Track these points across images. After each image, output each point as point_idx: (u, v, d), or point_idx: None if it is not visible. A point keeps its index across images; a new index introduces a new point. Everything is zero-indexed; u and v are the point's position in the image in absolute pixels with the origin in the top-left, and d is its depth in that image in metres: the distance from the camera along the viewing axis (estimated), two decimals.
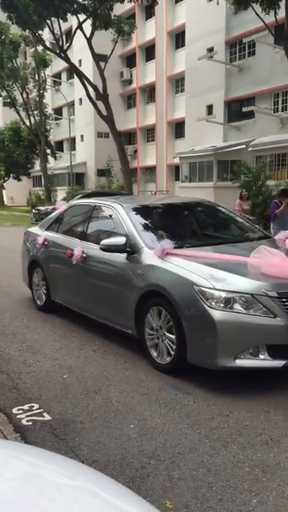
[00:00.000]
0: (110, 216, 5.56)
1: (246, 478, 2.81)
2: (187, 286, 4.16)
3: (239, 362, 3.93)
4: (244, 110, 25.34)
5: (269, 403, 3.77)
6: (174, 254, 4.61)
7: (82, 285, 5.75)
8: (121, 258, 5.00)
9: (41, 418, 3.60)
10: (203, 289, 4.04)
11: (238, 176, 21.82)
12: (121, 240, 4.95)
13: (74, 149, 41.49)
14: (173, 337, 4.30)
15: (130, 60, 38.46)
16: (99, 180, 37.09)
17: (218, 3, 22.41)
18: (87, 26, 22.72)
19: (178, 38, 32.35)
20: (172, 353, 4.33)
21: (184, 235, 5.63)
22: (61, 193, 35.96)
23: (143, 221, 5.40)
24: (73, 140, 40.48)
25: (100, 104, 23.04)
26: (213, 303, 3.97)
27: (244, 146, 24.59)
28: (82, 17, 22.19)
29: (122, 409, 3.73)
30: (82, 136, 41.14)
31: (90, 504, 1.36)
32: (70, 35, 26.80)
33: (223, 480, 2.80)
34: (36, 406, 3.82)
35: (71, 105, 39.88)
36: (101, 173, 37.77)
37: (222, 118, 27.02)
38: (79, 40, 25.16)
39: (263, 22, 16.95)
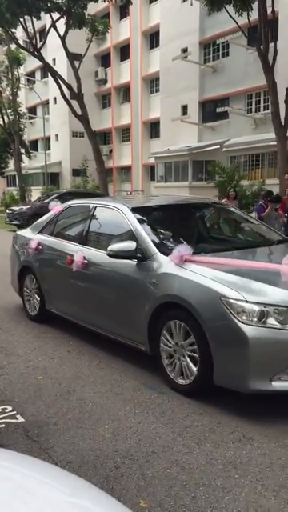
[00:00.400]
0: (114, 218, 5.00)
1: (218, 476, 2.85)
2: (213, 298, 3.66)
3: (276, 385, 3.49)
4: (218, 110, 25.63)
5: (242, 401, 3.81)
6: (194, 260, 4.11)
7: (84, 294, 5.20)
8: (129, 265, 4.46)
9: (14, 421, 3.57)
10: (232, 301, 3.56)
11: (212, 176, 22.07)
12: (131, 245, 4.41)
13: (49, 148, 41.21)
14: (195, 355, 3.83)
15: (104, 59, 38.40)
16: (74, 180, 36.94)
17: (191, 4, 22.61)
18: (61, 25, 22.59)
19: (153, 38, 32.44)
20: (194, 373, 3.85)
21: (199, 239, 5.20)
22: (35, 192, 35.68)
23: (153, 223, 4.91)
24: (47, 139, 40.19)
25: (75, 103, 22.94)
26: (244, 317, 3.51)
27: (218, 147, 24.85)
28: (55, 15, 22.06)
29: (97, 409, 3.73)
30: (56, 135, 40.88)
31: (63, 507, 1.36)
32: (43, 33, 26.57)
33: (196, 478, 2.83)
34: (9, 408, 3.78)
35: (45, 104, 39.58)
36: (76, 172, 37.62)
37: (196, 118, 27.23)
38: (53, 39, 24.98)
39: (236, 23, 17.13)
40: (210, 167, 21.48)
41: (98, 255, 4.96)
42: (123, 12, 34.47)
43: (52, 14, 21.69)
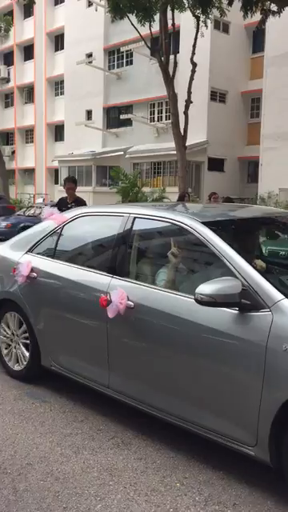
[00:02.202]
0: (175, 238, 3.40)
1: (93, 483, 2.82)
2: None
3: None
4: (122, 117, 25.98)
5: (124, 408, 3.82)
6: None
7: (128, 355, 3.42)
8: (223, 316, 2.80)
9: None
10: None
11: (115, 182, 22.24)
12: (234, 285, 2.73)
13: None
14: None
15: (7, 58, 37.30)
16: None
17: (96, 10, 22.69)
18: None
19: (58, 40, 32.13)
20: None
21: None
22: None
23: (250, 250, 3.45)
24: None
25: None
26: None
27: (122, 153, 25.16)
28: None
29: None
30: None
31: None
32: None
33: (70, 487, 2.78)
34: None
35: None
36: None
37: (101, 123, 27.37)
38: None
39: (139, 33, 17.45)
40: (112, 173, 21.64)
41: (153, 295, 3.25)
42: (27, 11, 33.75)
43: None
